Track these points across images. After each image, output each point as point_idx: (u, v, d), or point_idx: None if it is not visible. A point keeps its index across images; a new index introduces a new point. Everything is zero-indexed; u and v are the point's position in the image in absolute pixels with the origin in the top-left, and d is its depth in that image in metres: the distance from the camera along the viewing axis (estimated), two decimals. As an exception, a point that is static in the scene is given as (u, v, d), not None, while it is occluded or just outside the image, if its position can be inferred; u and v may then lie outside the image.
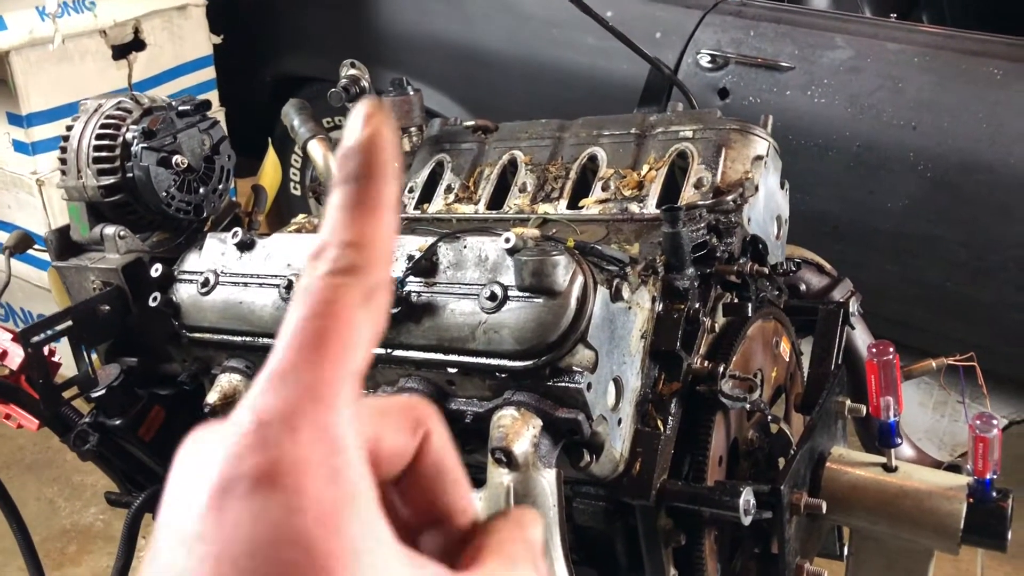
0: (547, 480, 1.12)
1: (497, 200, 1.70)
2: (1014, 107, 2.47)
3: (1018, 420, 3.21)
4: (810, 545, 1.45)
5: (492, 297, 1.14)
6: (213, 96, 3.64)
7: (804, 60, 2.71)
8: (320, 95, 1.88)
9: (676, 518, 1.27)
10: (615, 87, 2.84)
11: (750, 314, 1.40)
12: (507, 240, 1.16)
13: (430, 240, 1.24)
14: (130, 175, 1.46)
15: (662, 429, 1.25)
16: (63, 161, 1.49)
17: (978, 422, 1.24)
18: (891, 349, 1.32)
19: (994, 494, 1.25)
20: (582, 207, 1.59)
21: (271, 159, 1.95)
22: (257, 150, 1.95)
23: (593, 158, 1.65)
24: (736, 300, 1.44)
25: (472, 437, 1.23)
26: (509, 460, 1.10)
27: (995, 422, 1.27)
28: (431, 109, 3.07)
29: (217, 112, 3.60)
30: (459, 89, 3.25)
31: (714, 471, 1.31)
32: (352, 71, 1.83)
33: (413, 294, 1.20)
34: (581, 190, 1.64)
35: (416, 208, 1.76)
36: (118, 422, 1.48)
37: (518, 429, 1.11)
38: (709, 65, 2.81)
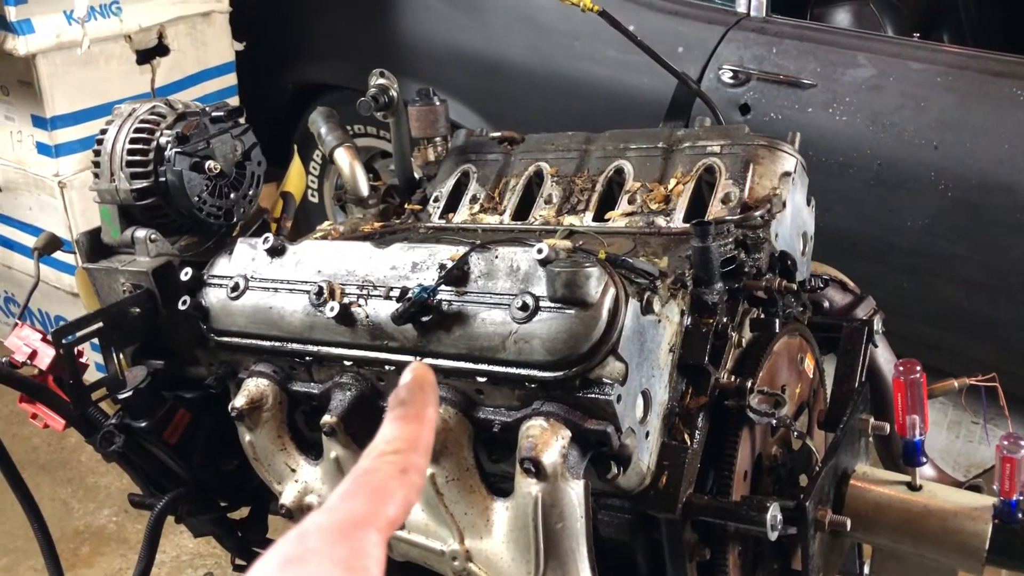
0: (575, 491, 1.12)
1: (522, 211, 1.70)
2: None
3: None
4: (831, 562, 1.45)
5: (524, 307, 1.15)
6: (234, 102, 3.67)
7: (826, 78, 2.71)
8: (341, 103, 1.90)
9: (701, 532, 1.27)
10: (636, 101, 2.85)
11: (777, 330, 1.40)
12: (539, 251, 1.16)
13: (462, 249, 1.24)
14: (163, 179, 1.47)
15: (689, 443, 1.25)
16: (96, 164, 1.50)
17: (1006, 442, 1.24)
18: (918, 368, 1.32)
19: (1020, 515, 1.25)
20: (608, 220, 1.60)
21: (296, 166, 1.97)
22: (278, 157, 1.96)
23: (620, 171, 1.66)
24: (763, 315, 1.44)
25: (499, 447, 1.24)
26: (538, 470, 1.10)
27: (1023, 443, 1.27)
28: (453, 120, 3.09)
29: (238, 118, 3.62)
30: (480, 101, 3.27)
31: (739, 486, 1.31)
32: (381, 80, 1.85)
33: (444, 302, 1.21)
34: (607, 203, 1.64)
35: (441, 217, 1.77)
36: (144, 424, 1.49)
37: (547, 439, 1.11)
38: (731, 81, 2.81)
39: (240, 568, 1.76)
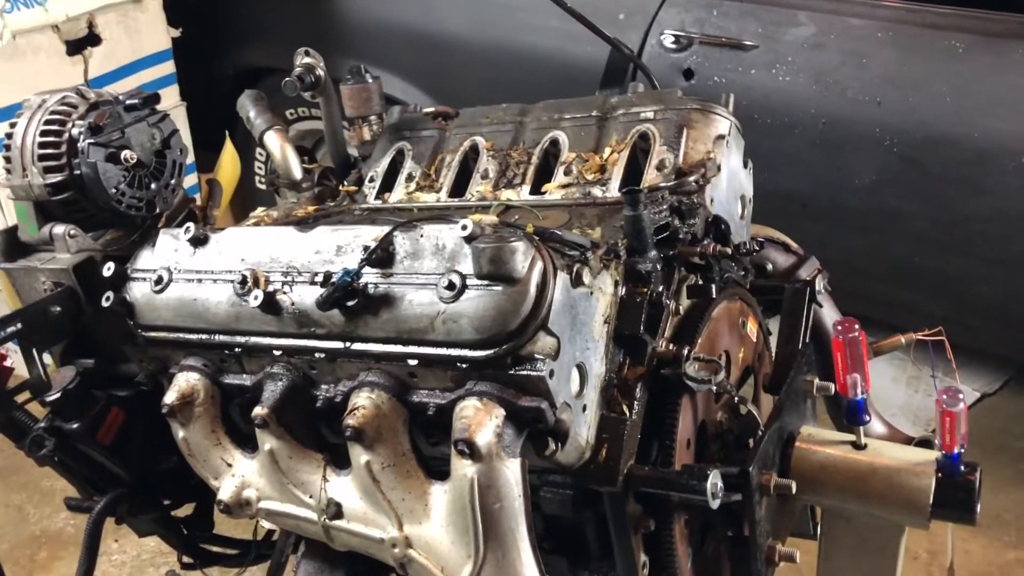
0: (511, 471, 1.10)
1: (459, 187, 1.67)
2: (976, 80, 2.47)
3: (990, 393, 3.23)
4: (782, 525, 1.44)
5: (450, 286, 1.12)
6: (173, 91, 3.57)
7: (768, 38, 2.69)
8: (282, 87, 1.84)
9: (645, 503, 1.25)
10: (580, 70, 2.81)
11: (715, 295, 1.39)
12: (464, 228, 1.13)
13: (386, 230, 1.21)
14: (77, 172, 1.42)
15: (628, 414, 1.23)
16: (8, 160, 1.44)
17: (944, 396, 1.23)
18: (856, 326, 1.31)
19: (962, 468, 1.25)
20: (545, 192, 1.57)
21: (228, 152, 1.91)
22: (220, 145, 1.91)
23: (555, 142, 1.63)
24: (701, 282, 1.43)
25: (436, 429, 1.21)
26: (472, 451, 1.08)
27: (961, 396, 1.27)
28: (394, 97, 3.03)
29: (178, 107, 3.54)
30: (422, 76, 3.21)
31: (683, 455, 1.30)
32: (307, 59, 1.79)
33: (370, 285, 1.17)
34: (544, 175, 1.61)
35: (377, 198, 1.73)
36: (75, 426, 1.44)
37: (480, 420, 1.09)
38: (673, 46, 2.78)
39: (189, 566, 1.72)
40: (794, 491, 1.29)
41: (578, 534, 1.32)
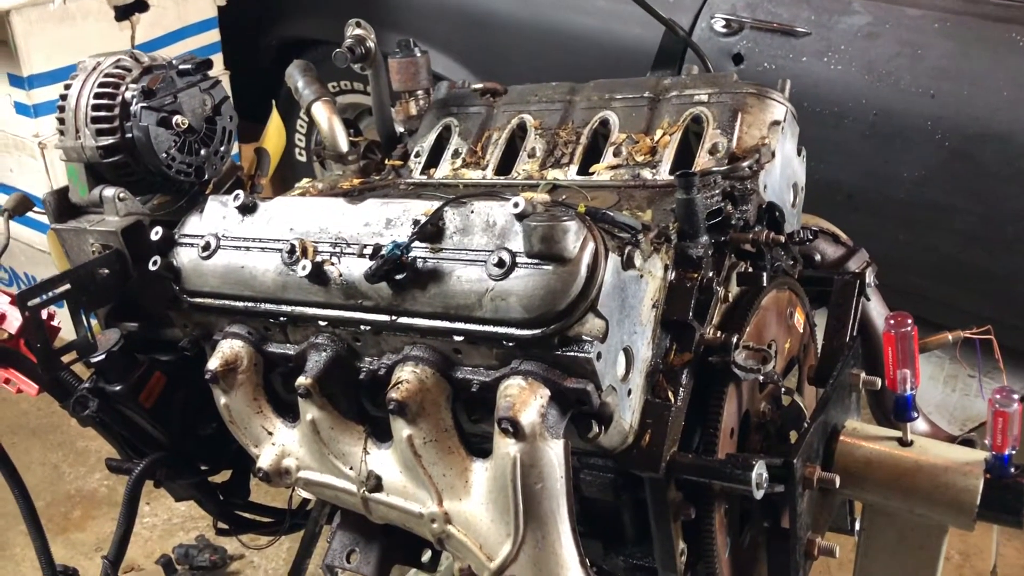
0: (554, 451, 1.09)
1: (506, 165, 1.66)
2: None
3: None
4: (821, 519, 1.42)
5: (500, 263, 1.11)
6: (218, 59, 3.59)
7: (820, 26, 2.64)
8: (326, 58, 1.83)
9: (686, 491, 1.24)
10: (627, 51, 2.77)
11: (765, 284, 1.36)
12: (516, 205, 1.12)
13: (436, 204, 1.20)
14: (129, 135, 1.42)
15: (673, 400, 1.22)
16: (61, 121, 1.45)
17: (998, 396, 1.20)
18: (909, 321, 1.28)
19: (1012, 470, 1.22)
20: (593, 173, 1.55)
21: (275, 122, 1.91)
22: (263, 115, 1.91)
23: (605, 122, 1.61)
24: (751, 269, 1.40)
25: (478, 406, 1.21)
26: (516, 430, 1.07)
27: (1016, 396, 1.24)
28: (438, 73, 3.01)
29: (222, 75, 3.55)
30: (467, 53, 3.19)
31: (725, 444, 1.28)
32: (358, 31, 1.78)
33: (419, 260, 1.17)
34: (592, 155, 1.59)
35: (423, 173, 1.72)
36: (118, 388, 1.45)
37: (525, 399, 1.08)
38: (723, 30, 2.74)
39: (223, 532, 1.74)
40: (837, 485, 1.27)
41: (615, 518, 1.31)
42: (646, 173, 1.50)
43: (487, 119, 1.74)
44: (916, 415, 1.34)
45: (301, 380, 1.27)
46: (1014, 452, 1.26)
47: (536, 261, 1.10)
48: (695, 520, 1.25)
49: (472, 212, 1.17)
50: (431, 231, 1.17)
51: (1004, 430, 1.24)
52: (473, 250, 1.15)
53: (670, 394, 1.22)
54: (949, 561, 2.46)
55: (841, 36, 2.63)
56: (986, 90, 2.45)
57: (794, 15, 2.68)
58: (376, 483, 1.26)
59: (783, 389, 1.38)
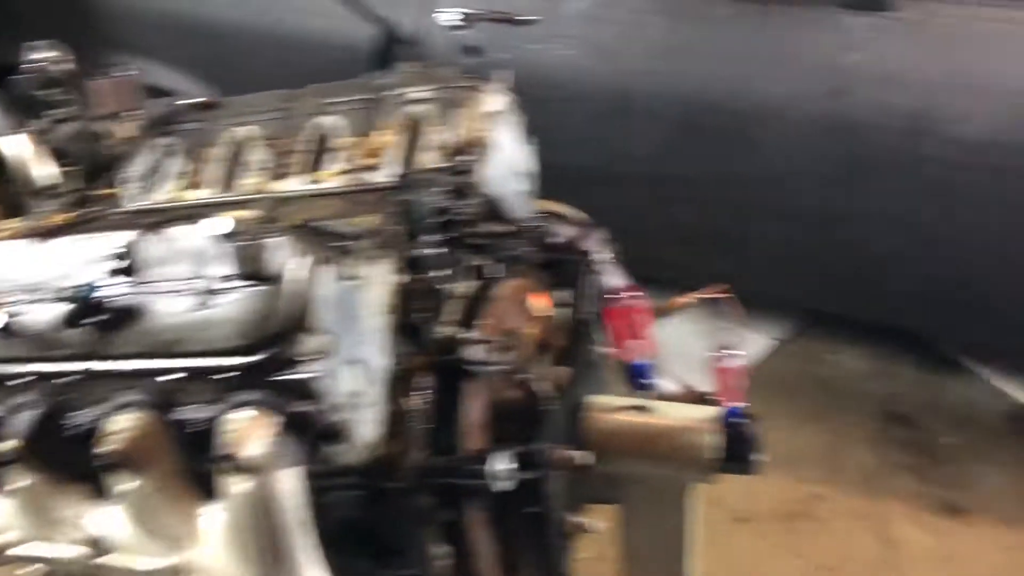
0: (287, 481, 1.04)
1: (229, 181, 1.57)
2: (742, 44, 2.59)
3: (787, 339, 3.44)
4: (580, 494, 1.46)
5: (204, 291, 1.04)
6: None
7: (547, 12, 2.71)
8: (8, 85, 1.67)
9: (440, 494, 1.23)
10: (359, 51, 2.73)
11: (497, 275, 1.37)
12: (215, 226, 1.06)
13: (132, 235, 1.11)
14: None
15: (415, 405, 1.20)
16: None
17: (717, 354, 1.27)
18: (630, 293, 1.33)
19: (737, 421, 1.30)
20: (319, 181, 1.50)
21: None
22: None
23: (327, 128, 1.56)
24: (483, 262, 1.41)
25: (209, 445, 1.13)
26: (242, 467, 1.01)
27: (735, 351, 1.31)
28: (166, 88, 2.84)
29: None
30: (196, 66, 3.03)
31: (476, 439, 1.28)
32: (48, 53, 1.64)
33: (116, 298, 1.08)
34: (318, 163, 1.55)
35: (140, 199, 1.60)
36: None
37: (247, 432, 1.02)
38: (454, 23, 2.76)
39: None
40: (586, 462, 1.30)
41: (376, 533, 1.28)
42: (371, 176, 1.47)
43: (206, 135, 1.65)
44: (654, 381, 1.40)
45: (5, 445, 1.15)
46: (742, 404, 1.34)
47: (245, 283, 1.04)
48: (453, 521, 1.24)
49: (169, 239, 1.09)
50: (126, 266, 1.08)
51: (730, 384, 1.31)
52: (175, 280, 1.08)
53: (412, 399, 1.20)
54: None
55: (567, 21, 2.72)
56: (699, 63, 2.61)
57: (522, 3, 2.74)
58: (105, 545, 1.16)
59: (525, 375, 1.39)
